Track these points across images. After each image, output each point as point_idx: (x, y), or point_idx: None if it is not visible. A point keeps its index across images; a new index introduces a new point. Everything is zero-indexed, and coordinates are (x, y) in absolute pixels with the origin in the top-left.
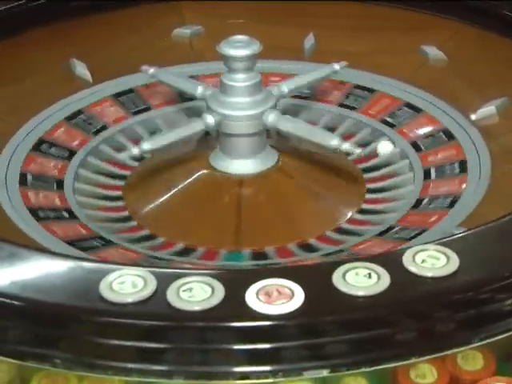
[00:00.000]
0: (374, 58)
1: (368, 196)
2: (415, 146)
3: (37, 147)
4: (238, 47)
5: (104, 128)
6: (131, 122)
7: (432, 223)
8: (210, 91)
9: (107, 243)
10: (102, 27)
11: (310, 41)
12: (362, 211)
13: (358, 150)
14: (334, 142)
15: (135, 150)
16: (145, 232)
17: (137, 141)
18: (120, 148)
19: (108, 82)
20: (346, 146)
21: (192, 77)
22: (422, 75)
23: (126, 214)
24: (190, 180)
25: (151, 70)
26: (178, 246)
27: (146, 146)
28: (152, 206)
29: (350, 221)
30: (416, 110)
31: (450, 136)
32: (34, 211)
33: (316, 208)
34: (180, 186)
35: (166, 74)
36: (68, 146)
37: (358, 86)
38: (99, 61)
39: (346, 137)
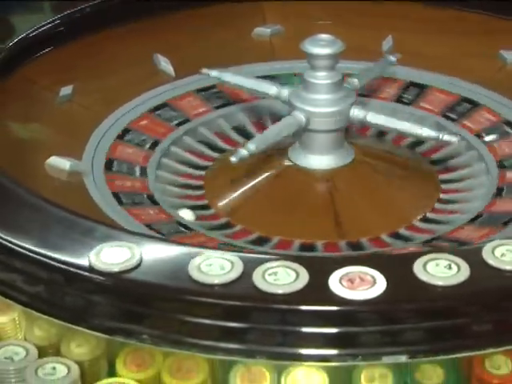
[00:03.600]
0: (452, 61)
1: (444, 186)
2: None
3: (122, 136)
4: (322, 46)
5: (187, 121)
6: (214, 116)
7: None
8: (285, 90)
9: (186, 229)
10: (186, 24)
11: (388, 43)
12: (443, 201)
13: (455, 138)
14: (430, 133)
15: (244, 152)
16: (222, 220)
17: (219, 134)
18: (202, 140)
19: (190, 77)
20: (446, 137)
21: (270, 77)
22: (500, 79)
23: (205, 202)
24: (270, 174)
25: (213, 73)
26: (253, 236)
27: (252, 146)
28: (229, 195)
29: (434, 210)
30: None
31: None
32: (117, 196)
33: (398, 199)
34: (260, 179)
35: (231, 74)
36: (151, 136)
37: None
38: (182, 57)
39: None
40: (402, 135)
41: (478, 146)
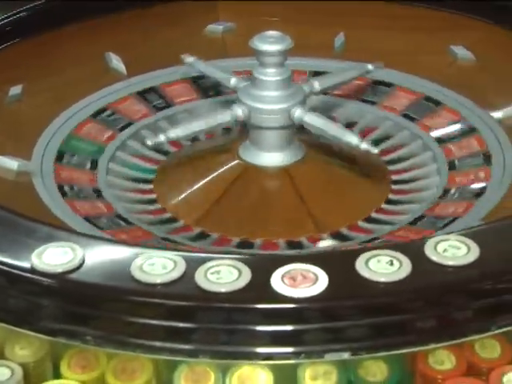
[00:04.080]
0: (403, 57)
1: (394, 187)
2: (438, 140)
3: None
4: (270, 42)
5: (129, 124)
6: (156, 118)
7: (459, 213)
8: (242, 83)
9: (127, 224)
10: (138, 22)
11: (340, 39)
12: (390, 202)
13: (375, 150)
14: (353, 140)
15: (162, 137)
16: (166, 215)
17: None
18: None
19: (138, 76)
20: (364, 146)
21: None
22: (450, 75)
23: (152, 196)
24: (219, 171)
25: (191, 59)
26: (195, 231)
27: (172, 134)
28: (177, 193)
29: (379, 211)
30: (438, 104)
31: (473, 129)
32: (62, 188)
33: (345, 199)
34: (210, 177)
35: (203, 64)
36: (97, 141)
37: (380, 83)
38: (134, 55)
39: (367, 131)
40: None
41: (433, 146)
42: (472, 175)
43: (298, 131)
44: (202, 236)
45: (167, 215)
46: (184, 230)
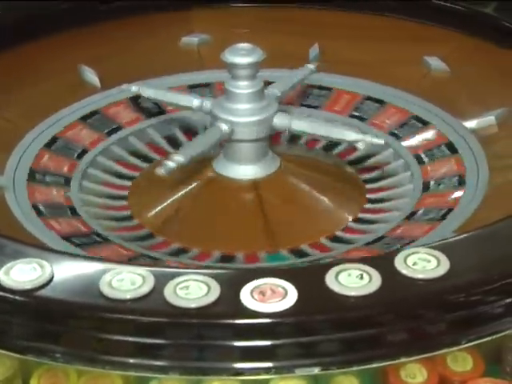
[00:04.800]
0: (378, 68)
1: (368, 206)
2: (418, 158)
3: (49, 146)
4: (242, 55)
5: (118, 129)
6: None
7: (422, 234)
8: (207, 102)
9: (104, 240)
10: (112, 34)
11: (314, 50)
12: (359, 220)
13: (381, 141)
14: (352, 136)
15: (172, 164)
16: (144, 231)
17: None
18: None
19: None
20: (369, 138)
21: (200, 85)
22: (424, 85)
23: (127, 213)
24: (195, 184)
25: (133, 88)
26: (173, 247)
27: (181, 158)
28: (157, 209)
29: (346, 229)
30: (420, 121)
31: (450, 146)
32: (36, 206)
33: (313, 215)
34: (185, 191)
35: (152, 89)
36: (79, 146)
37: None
38: (108, 68)
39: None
40: (323, 139)
41: (414, 166)
42: (444, 196)
43: (281, 142)
44: (182, 251)
45: (145, 231)
46: (162, 245)
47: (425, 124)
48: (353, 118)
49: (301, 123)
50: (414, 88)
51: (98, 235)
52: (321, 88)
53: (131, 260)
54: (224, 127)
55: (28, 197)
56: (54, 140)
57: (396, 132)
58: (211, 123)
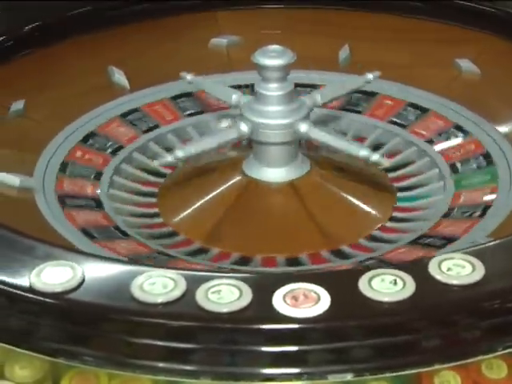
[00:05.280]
0: (408, 70)
1: (398, 204)
2: (445, 156)
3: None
4: (272, 57)
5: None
6: (164, 131)
7: (462, 232)
8: (245, 99)
9: (124, 235)
10: (141, 36)
11: (345, 52)
12: (393, 219)
13: (387, 162)
14: (363, 152)
15: (169, 158)
16: (166, 229)
17: (169, 149)
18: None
19: (144, 90)
20: (376, 157)
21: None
22: (455, 88)
23: (155, 210)
24: (224, 187)
25: (189, 77)
26: (194, 246)
27: (180, 153)
28: (182, 208)
29: (382, 228)
30: (459, 129)
31: (487, 157)
32: (61, 198)
33: (348, 215)
34: (214, 193)
35: (203, 80)
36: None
37: (388, 97)
38: (137, 68)
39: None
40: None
41: (441, 165)
42: (478, 193)
43: (302, 146)
44: (201, 251)
45: (167, 229)
46: (183, 244)
47: (464, 133)
48: (393, 124)
49: (318, 133)
50: (444, 90)
51: (119, 230)
52: (364, 93)
53: (148, 257)
54: (244, 128)
55: (58, 201)
56: (87, 137)
57: (433, 139)
58: (234, 122)
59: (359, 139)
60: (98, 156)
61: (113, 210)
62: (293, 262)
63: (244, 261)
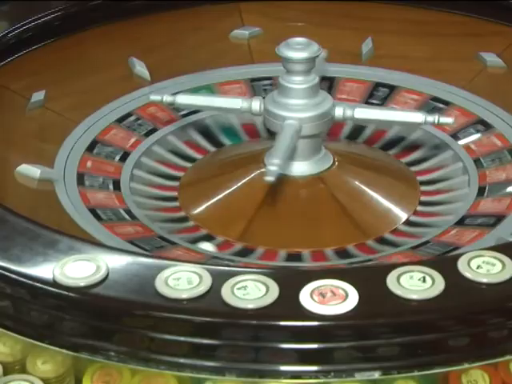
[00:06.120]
0: (432, 63)
1: (420, 209)
2: (469, 151)
3: (92, 147)
4: (297, 49)
5: (154, 130)
6: (183, 124)
7: (470, 241)
8: (255, 101)
9: (167, 243)
10: (161, 27)
11: (367, 45)
12: (409, 223)
13: (450, 120)
14: (420, 118)
15: (274, 168)
16: (203, 232)
17: (188, 142)
18: (173, 150)
19: (163, 82)
20: (436, 119)
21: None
22: (479, 82)
23: (182, 214)
24: (245, 180)
25: (165, 98)
26: (237, 247)
27: (277, 161)
28: (207, 205)
29: (395, 232)
30: (484, 124)
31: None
32: (93, 210)
33: (382, 204)
34: (235, 186)
35: (190, 96)
36: (121, 147)
37: (412, 92)
38: (158, 60)
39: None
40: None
41: (453, 145)
42: (503, 172)
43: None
44: (246, 251)
45: (203, 232)
46: (225, 246)
47: (488, 127)
48: None
49: (364, 110)
50: (468, 84)
51: (161, 238)
52: (384, 86)
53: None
54: (296, 124)
55: (78, 193)
56: (96, 142)
57: (458, 134)
58: (267, 120)
59: (379, 133)
60: (124, 140)
61: (145, 218)
62: (318, 256)
63: (245, 252)
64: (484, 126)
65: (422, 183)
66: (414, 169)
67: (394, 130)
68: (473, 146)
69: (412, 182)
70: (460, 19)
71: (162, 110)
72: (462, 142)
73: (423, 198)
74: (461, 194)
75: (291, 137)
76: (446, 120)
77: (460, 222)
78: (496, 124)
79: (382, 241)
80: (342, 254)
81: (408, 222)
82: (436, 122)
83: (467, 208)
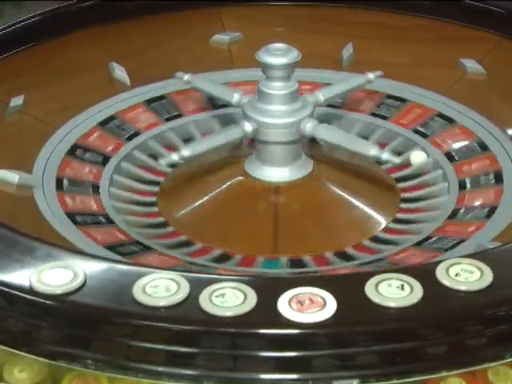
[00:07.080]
0: (412, 69)
1: (402, 205)
2: (449, 157)
3: (72, 152)
4: (277, 55)
5: (136, 134)
6: (164, 129)
7: (469, 234)
8: (246, 99)
9: (146, 249)
10: (142, 31)
11: (348, 51)
12: (398, 220)
13: (397, 160)
14: (373, 151)
15: (175, 157)
16: (181, 238)
17: (169, 147)
18: (153, 155)
19: (142, 87)
20: (386, 156)
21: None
22: (459, 88)
23: (161, 219)
24: (224, 186)
25: (186, 77)
26: (215, 253)
27: (186, 152)
28: (186, 211)
29: (386, 230)
30: (450, 121)
31: (484, 147)
32: (71, 216)
33: (351, 216)
34: (215, 192)
35: (201, 80)
36: (102, 152)
37: (391, 96)
38: (138, 64)
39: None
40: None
41: (445, 165)
42: (483, 195)
43: (304, 146)
44: (224, 257)
45: (181, 238)
46: (203, 252)
47: (484, 149)
48: (416, 133)
49: (324, 132)
50: (448, 90)
51: (138, 243)
52: (394, 98)
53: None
54: (248, 127)
55: (57, 199)
56: (76, 146)
57: (423, 131)
58: (238, 121)
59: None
60: (105, 145)
61: (122, 223)
62: (296, 263)
63: (223, 258)
64: (482, 149)
65: (398, 180)
66: (394, 175)
67: (376, 134)
68: (454, 153)
69: (392, 189)
70: (440, 25)
71: (144, 112)
72: (443, 149)
73: (403, 195)
74: (439, 188)
75: (220, 136)
76: (394, 160)
77: (451, 216)
78: (475, 130)
79: (378, 241)
80: (343, 255)
81: (396, 221)
82: (386, 158)
83: (452, 202)
